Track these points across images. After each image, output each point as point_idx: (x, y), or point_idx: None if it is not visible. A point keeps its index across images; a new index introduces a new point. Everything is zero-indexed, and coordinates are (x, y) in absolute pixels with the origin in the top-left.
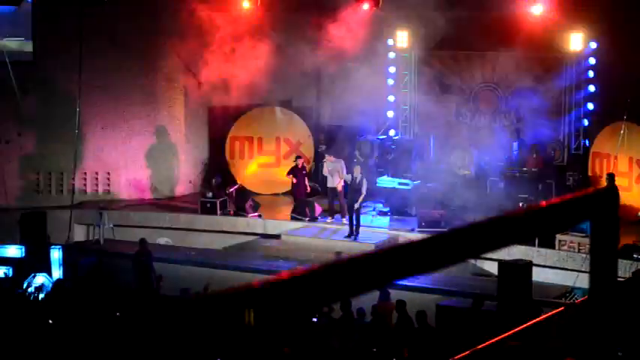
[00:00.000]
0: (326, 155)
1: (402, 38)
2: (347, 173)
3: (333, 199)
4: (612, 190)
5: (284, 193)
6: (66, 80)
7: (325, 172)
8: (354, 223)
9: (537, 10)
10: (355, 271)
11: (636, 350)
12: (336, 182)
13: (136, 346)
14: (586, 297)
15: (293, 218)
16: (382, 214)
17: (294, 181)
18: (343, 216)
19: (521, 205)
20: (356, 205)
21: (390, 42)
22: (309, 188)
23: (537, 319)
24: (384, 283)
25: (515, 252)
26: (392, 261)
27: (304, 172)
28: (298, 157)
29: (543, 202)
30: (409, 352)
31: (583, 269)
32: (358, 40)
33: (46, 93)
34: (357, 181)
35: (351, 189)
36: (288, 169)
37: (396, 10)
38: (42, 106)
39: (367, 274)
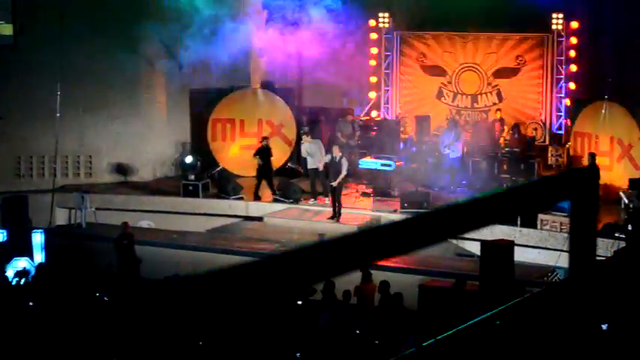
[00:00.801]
0: (303, 136)
1: (383, 19)
2: (326, 154)
3: (314, 181)
4: (592, 169)
5: None
6: (46, 63)
7: (304, 153)
8: (336, 204)
9: None
10: (336, 251)
11: (619, 326)
12: (317, 163)
13: (120, 328)
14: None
15: (275, 200)
16: (365, 195)
17: (261, 162)
18: (326, 196)
19: (503, 185)
20: (334, 184)
21: (372, 23)
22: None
23: (520, 299)
24: (364, 263)
25: (497, 232)
26: (372, 241)
27: (270, 153)
28: (265, 138)
29: (524, 181)
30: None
31: (565, 249)
32: (339, 21)
33: (26, 76)
34: (337, 160)
35: (331, 169)
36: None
37: None
38: (22, 89)
39: (348, 255)
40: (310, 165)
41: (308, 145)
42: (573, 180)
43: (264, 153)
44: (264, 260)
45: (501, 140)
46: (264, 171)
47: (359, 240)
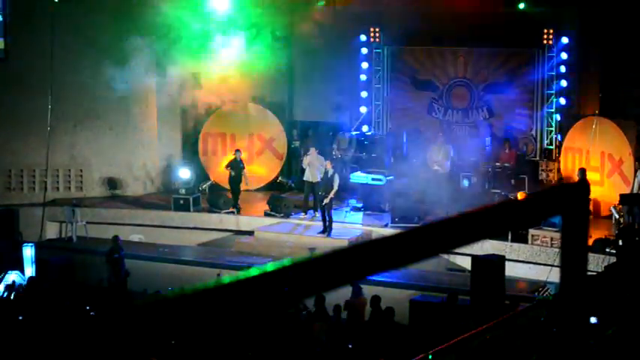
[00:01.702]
0: (311, 149)
1: (374, 34)
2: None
3: (308, 194)
4: (583, 184)
5: (257, 190)
6: (37, 77)
7: (304, 164)
8: (327, 218)
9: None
10: (327, 266)
11: (609, 340)
12: (317, 177)
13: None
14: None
15: (267, 214)
16: (356, 209)
17: (232, 174)
18: (316, 210)
19: (495, 200)
20: (325, 200)
21: (363, 38)
22: (246, 183)
23: (511, 314)
24: (355, 278)
25: (488, 247)
26: (363, 256)
27: (242, 165)
28: (237, 150)
29: (514, 197)
30: (383, 347)
31: (556, 264)
32: (331, 36)
33: (17, 90)
34: (329, 175)
35: (323, 184)
36: (261, 165)
37: (368, 6)
38: (13, 103)
39: (339, 270)
40: (307, 178)
41: (311, 158)
42: (564, 195)
43: (235, 165)
44: (256, 276)
45: (492, 155)
46: (234, 182)
47: (351, 254)
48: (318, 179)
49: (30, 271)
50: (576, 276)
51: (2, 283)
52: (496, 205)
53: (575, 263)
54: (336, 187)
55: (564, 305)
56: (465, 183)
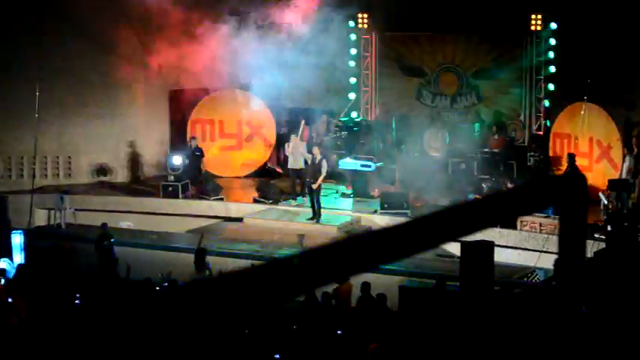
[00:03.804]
0: (292, 136)
1: (362, 20)
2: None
3: (294, 181)
4: (580, 175)
5: (246, 176)
6: (25, 64)
7: (288, 151)
8: (316, 205)
9: None
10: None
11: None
12: (298, 163)
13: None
14: (548, 278)
15: (256, 201)
16: (345, 196)
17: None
18: (303, 196)
19: (483, 185)
20: (314, 186)
21: (351, 24)
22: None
23: (501, 299)
24: (355, 271)
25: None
26: (360, 250)
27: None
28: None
29: (513, 186)
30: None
31: (544, 249)
32: (319, 22)
33: (4, 77)
34: (317, 161)
35: (311, 169)
36: (250, 151)
37: None
38: (1, 90)
39: (338, 264)
40: (291, 165)
41: (293, 144)
42: (563, 185)
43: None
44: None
45: (481, 141)
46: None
47: (351, 247)
48: (303, 165)
49: (19, 258)
50: (575, 264)
51: None
52: (499, 194)
53: (573, 251)
54: (324, 173)
55: (563, 294)
56: (454, 168)
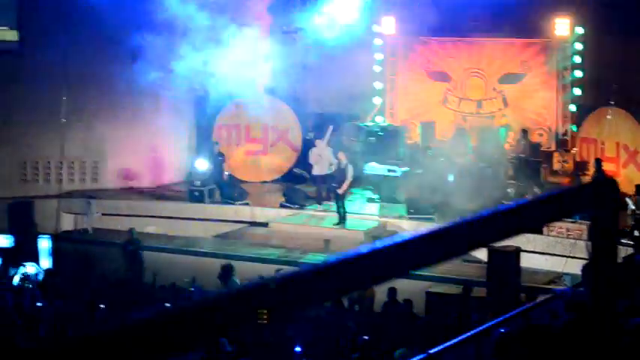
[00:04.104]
0: (317, 141)
1: (388, 25)
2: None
3: (320, 186)
4: (611, 179)
5: (272, 181)
6: (51, 69)
7: (312, 158)
8: (341, 210)
9: None
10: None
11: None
12: (324, 169)
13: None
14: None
15: (282, 206)
16: (370, 201)
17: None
18: (329, 201)
19: (509, 190)
20: (340, 191)
21: (377, 28)
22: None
23: (527, 305)
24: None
25: None
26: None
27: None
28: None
29: (540, 192)
30: (400, 339)
31: (571, 255)
32: (345, 26)
33: (31, 82)
34: (342, 166)
35: (337, 175)
36: (276, 156)
37: None
38: (28, 95)
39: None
40: (316, 171)
41: (318, 150)
42: (596, 190)
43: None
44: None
45: (507, 146)
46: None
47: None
48: (327, 171)
49: (46, 263)
50: (607, 271)
51: (18, 274)
52: (530, 201)
53: (605, 260)
54: (349, 179)
55: (596, 303)
56: (486, 173)
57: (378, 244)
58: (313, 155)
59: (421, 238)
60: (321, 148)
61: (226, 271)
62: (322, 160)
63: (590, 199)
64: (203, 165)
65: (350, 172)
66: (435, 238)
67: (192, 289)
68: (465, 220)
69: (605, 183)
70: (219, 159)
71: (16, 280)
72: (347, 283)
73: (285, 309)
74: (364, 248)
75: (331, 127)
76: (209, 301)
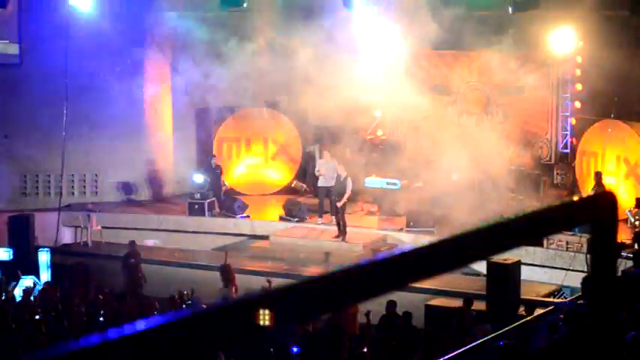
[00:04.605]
0: (324, 152)
1: (388, 37)
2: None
3: (323, 199)
4: (611, 193)
5: (272, 194)
6: (52, 82)
7: (318, 169)
8: (341, 223)
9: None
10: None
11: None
12: (330, 182)
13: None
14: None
15: (282, 219)
16: (370, 213)
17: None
18: (330, 214)
19: (509, 203)
20: (339, 204)
21: (376, 41)
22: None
23: (527, 318)
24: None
25: None
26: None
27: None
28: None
29: (542, 205)
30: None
31: (571, 268)
32: (346, 40)
33: (32, 95)
34: (342, 179)
35: (337, 188)
36: (276, 169)
37: (384, 10)
38: (28, 108)
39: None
40: (322, 183)
41: (323, 163)
42: (594, 204)
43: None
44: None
45: (506, 159)
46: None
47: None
48: (333, 183)
49: (45, 276)
50: (607, 284)
51: (18, 287)
52: (528, 214)
53: (605, 272)
54: (348, 192)
55: (597, 317)
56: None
57: (378, 256)
58: (318, 167)
59: (421, 251)
60: (327, 160)
61: (225, 272)
62: (328, 172)
63: (590, 212)
64: (199, 179)
65: (349, 186)
66: (435, 251)
67: (190, 302)
68: (464, 232)
69: (605, 196)
70: (216, 172)
71: (17, 292)
72: (346, 295)
73: (280, 321)
74: (364, 261)
75: (319, 145)
76: (203, 314)
